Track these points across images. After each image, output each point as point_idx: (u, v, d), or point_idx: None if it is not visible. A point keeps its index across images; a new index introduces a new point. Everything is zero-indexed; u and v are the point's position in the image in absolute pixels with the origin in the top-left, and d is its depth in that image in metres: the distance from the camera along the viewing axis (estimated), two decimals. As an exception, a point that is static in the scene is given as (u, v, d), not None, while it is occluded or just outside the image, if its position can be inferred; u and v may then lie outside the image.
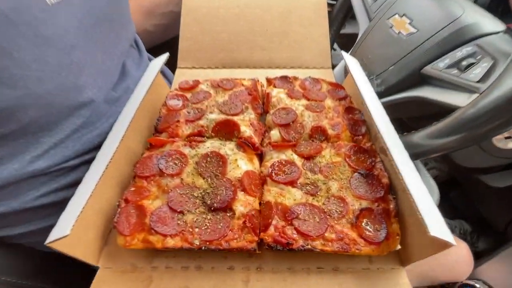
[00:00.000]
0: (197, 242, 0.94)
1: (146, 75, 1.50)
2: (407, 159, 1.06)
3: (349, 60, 1.62)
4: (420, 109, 1.53)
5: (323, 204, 1.07)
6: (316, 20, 2.04)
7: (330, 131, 1.38)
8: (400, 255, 1.05)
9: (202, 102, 1.50)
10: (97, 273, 1.00)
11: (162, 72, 2.17)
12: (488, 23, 1.14)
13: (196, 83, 1.62)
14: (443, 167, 2.12)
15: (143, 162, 1.19)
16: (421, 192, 0.93)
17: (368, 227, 1.01)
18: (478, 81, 1.21)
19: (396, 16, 1.66)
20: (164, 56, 1.61)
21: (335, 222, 1.02)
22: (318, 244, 0.96)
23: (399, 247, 0.98)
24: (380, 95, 1.40)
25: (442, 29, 1.20)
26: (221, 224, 0.99)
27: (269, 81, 1.75)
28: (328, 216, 1.03)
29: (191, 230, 0.98)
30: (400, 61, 1.55)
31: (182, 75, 1.95)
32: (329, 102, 1.56)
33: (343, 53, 1.71)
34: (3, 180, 0.94)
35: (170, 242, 0.95)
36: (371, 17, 1.91)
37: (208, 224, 0.99)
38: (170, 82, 2.01)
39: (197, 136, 1.34)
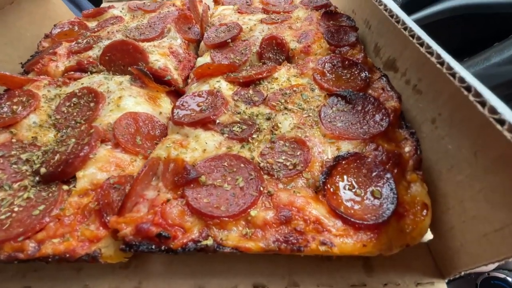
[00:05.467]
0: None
1: None
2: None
3: None
4: (466, 32, 0.88)
5: (261, 154, 0.53)
6: None
7: (293, 44, 0.81)
8: (432, 251, 0.48)
9: (104, 29, 1.00)
10: None
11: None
12: None
13: (107, 7, 1.13)
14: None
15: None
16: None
17: (350, 194, 0.45)
18: None
19: None
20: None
21: (280, 186, 0.47)
22: (232, 237, 0.42)
23: (430, 237, 0.43)
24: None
25: None
26: (41, 208, 0.48)
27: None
28: (266, 176, 0.49)
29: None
30: None
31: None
32: (300, 14, 0.99)
33: None
34: None
35: None
36: None
37: (18, 209, 0.49)
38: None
39: (78, 72, 0.84)
